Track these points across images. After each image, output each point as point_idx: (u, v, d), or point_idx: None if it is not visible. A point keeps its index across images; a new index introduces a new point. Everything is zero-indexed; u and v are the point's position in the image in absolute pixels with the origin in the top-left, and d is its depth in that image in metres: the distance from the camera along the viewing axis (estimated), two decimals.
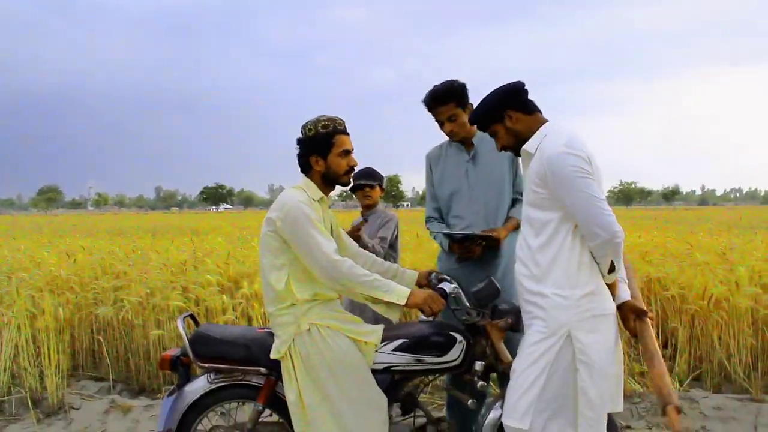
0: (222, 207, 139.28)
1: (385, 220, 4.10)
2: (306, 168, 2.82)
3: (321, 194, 2.80)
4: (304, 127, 2.78)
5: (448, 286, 2.74)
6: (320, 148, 2.73)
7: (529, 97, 2.54)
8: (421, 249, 8.35)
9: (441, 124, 3.33)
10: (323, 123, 2.74)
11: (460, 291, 2.79)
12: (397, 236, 4.15)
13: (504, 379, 2.79)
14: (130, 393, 5.22)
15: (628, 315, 2.48)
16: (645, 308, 2.50)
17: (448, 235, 3.31)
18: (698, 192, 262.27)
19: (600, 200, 2.30)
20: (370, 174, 4.13)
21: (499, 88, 2.54)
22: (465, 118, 3.28)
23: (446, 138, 3.45)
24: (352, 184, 3.86)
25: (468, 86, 3.29)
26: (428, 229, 3.59)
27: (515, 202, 3.42)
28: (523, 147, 2.52)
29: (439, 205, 3.52)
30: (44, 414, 4.66)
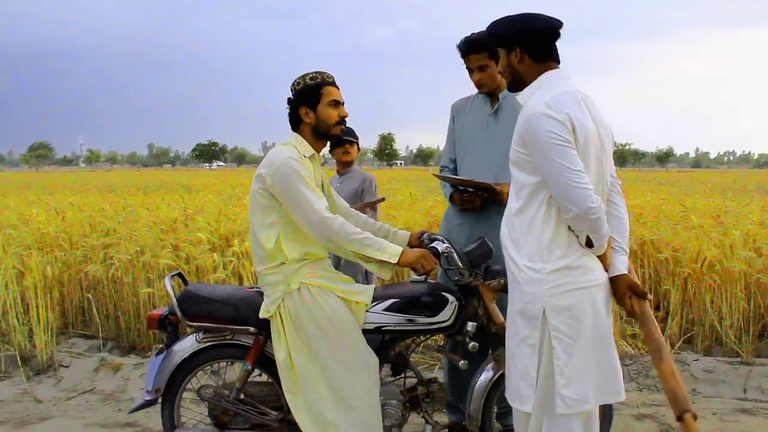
0: (215, 164, 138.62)
1: (365, 183, 4.10)
2: (296, 124, 2.76)
3: (312, 151, 2.74)
4: (292, 83, 2.74)
5: (440, 246, 2.69)
6: (309, 99, 2.69)
7: (554, 46, 2.31)
8: (415, 208, 8.29)
9: (470, 72, 3.23)
10: (311, 76, 2.71)
11: (453, 251, 2.74)
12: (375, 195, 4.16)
13: (497, 341, 2.77)
14: (120, 351, 5.22)
15: (624, 292, 2.28)
16: (643, 288, 2.31)
17: (453, 183, 3.23)
18: (692, 155, 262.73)
19: (573, 171, 2.09)
20: (350, 132, 4.10)
21: (531, 20, 2.28)
22: (496, 71, 3.17)
23: (474, 90, 3.35)
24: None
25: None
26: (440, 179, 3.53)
27: None
28: (517, 96, 2.36)
29: (455, 157, 3.44)
30: (34, 372, 4.66)
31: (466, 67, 3.22)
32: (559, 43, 2.32)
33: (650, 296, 2.31)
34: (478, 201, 3.16)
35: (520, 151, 2.24)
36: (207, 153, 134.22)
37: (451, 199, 3.31)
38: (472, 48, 3.13)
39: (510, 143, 3.21)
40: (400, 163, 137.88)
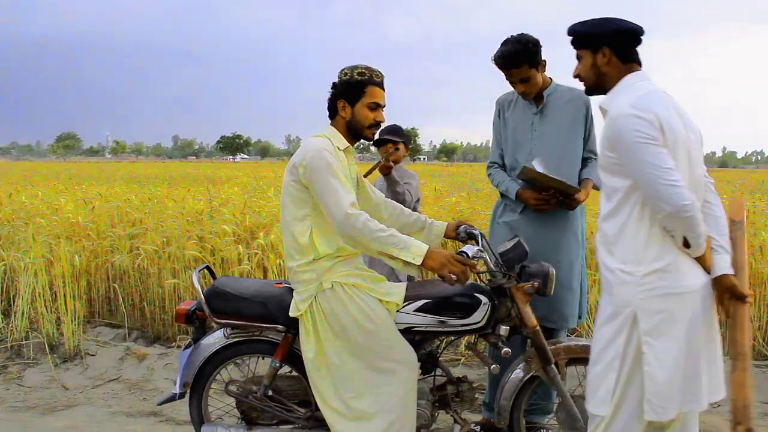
0: (239, 157, 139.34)
1: (407, 179, 3.94)
2: (334, 114, 2.71)
3: (346, 143, 2.70)
4: (341, 71, 2.68)
5: (471, 249, 2.58)
6: (350, 94, 2.63)
7: (637, 49, 2.29)
8: (439, 203, 8.27)
9: (513, 84, 3.15)
10: (360, 70, 2.65)
11: (485, 254, 2.65)
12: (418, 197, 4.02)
13: (528, 343, 2.74)
14: (145, 340, 5.26)
15: (723, 293, 2.18)
16: (743, 289, 2.17)
17: (542, 182, 3.03)
18: (719, 154, 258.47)
19: (663, 169, 2.04)
20: (395, 131, 3.97)
21: (617, 21, 2.27)
22: (538, 76, 3.09)
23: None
24: (376, 138, 3.75)
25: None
26: (489, 175, 3.43)
27: (587, 161, 3.24)
28: (599, 102, 2.32)
29: (502, 152, 3.36)
30: (61, 359, 4.71)
31: (507, 79, 3.13)
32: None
33: (749, 299, 2.20)
34: (554, 202, 3.08)
35: (608, 155, 2.20)
36: (231, 145, 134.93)
37: (517, 196, 3.18)
38: (510, 63, 3.04)
39: (558, 142, 3.13)
40: (424, 158, 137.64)
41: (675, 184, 2.04)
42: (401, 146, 3.99)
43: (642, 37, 2.27)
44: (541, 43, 3.07)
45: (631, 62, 2.27)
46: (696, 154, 2.22)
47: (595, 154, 3.21)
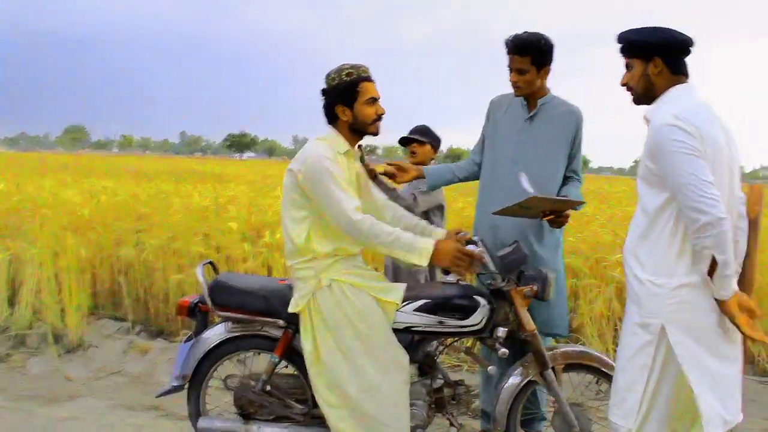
0: (246, 155, 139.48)
1: (420, 185, 3.70)
2: (332, 119, 2.73)
3: (347, 147, 2.72)
4: (327, 76, 2.69)
5: (473, 249, 2.63)
6: (345, 97, 2.64)
7: (686, 60, 2.30)
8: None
9: (510, 71, 3.09)
10: (347, 71, 2.65)
11: (486, 254, 2.68)
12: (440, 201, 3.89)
13: (526, 347, 2.76)
14: (148, 334, 5.28)
15: (737, 309, 2.16)
16: (753, 305, 2.20)
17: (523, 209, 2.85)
18: None
19: (702, 181, 2.03)
20: (422, 131, 3.88)
21: (669, 31, 2.26)
22: (536, 78, 3.05)
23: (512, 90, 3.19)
24: (402, 137, 3.73)
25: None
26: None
27: (568, 179, 3.19)
28: (644, 112, 2.32)
29: (482, 151, 3.33)
30: (64, 350, 4.75)
31: (508, 66, 3.09)
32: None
33: (759, 311, 2.21)
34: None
35: (649, 165, 2.21)
36: (238, 143, 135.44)
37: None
38: (518, 48, 3.00)
39: (541, 155, 3.10)
40: (432, 162, 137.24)
41: (713, 197, 2.03)
42: (426, 147, 3.88)
43: (691, 49, 2.27)
44: (554, 50, 3.04)
45: (680, 74, 2.28)
46: (736, 172, 2.23)
47: (578, 175, 3.20)
